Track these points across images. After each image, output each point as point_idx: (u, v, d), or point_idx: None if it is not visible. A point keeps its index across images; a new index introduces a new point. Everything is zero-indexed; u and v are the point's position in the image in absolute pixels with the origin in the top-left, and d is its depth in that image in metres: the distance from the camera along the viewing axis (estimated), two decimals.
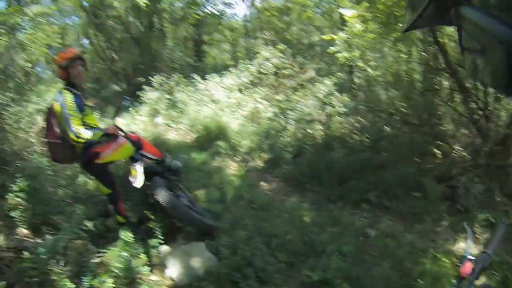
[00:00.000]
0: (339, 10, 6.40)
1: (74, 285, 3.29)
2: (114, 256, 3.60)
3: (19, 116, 6.91)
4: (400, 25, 4.92)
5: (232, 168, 6.15)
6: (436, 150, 5.16)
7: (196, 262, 3.51)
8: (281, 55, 8.02)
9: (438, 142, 5.17)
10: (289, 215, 4.06)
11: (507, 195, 4.30)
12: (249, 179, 5.52)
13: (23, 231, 4.44)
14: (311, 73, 7.93)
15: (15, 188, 4.25)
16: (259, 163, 5.98)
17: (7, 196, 4.37)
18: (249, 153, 6.33)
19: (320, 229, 3.73)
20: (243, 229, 3.81)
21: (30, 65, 13.21)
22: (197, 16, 12.67)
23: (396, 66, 5.74)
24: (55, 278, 3.55)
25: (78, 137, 3.75)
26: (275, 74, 8.14)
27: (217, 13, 13.29)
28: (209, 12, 13.40)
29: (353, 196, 4.50)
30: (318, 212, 4.21)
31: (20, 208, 4.32)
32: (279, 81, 8.04)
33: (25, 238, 4.35)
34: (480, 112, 4.89)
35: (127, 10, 14.58)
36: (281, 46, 8.19)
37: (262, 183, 5.41)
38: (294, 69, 8.04)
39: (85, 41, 24.20)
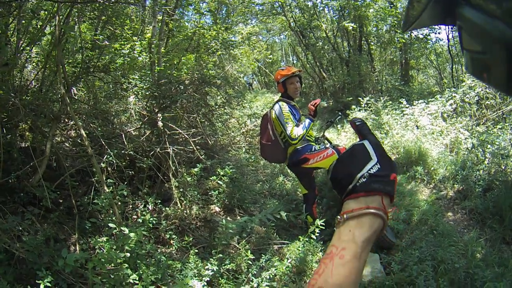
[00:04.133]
0: None
1: (253, 256, 3.92)
2: (293, 247, 4.25)
3: (229, 117, 8.17)
4: None
5: (423, 193, 6.49)
6: None
7: (365, 271, 3.64)
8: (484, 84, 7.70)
9: None
10: (463, 246, 4.34)
11: None
12: (437, 206, 5.78)
13: (215, 208, 5.47)
14: None
15: (220, 172, 5.16)
16: (450, 192, 6.15)
17: (211, 178, 5.39)
18: (443, 182, 6.52)
19: (486, 266, 3.92)
20: (418, 250, 4.21)
21: (241, 75, 15.26)
22: (402, 40, 12.70)
23: None
24: (235, 250, 4.38)
25: (294, 138, 4.30)
26: (478, 103, 7.88)
27: (421, 37, 13.03)
28: (414, 36, 13.23)
29: None
30: (490, 249, 4.32)
31: (219, 190, 5.32)
32: (482, 111, 7.76)
33: (215, 214, 5.35)
34: None
35: (335, 32, 15.44)
36: None
37: (448, 213, 5.64)
38: (497, 99, 7.66)
39: (292, 58, 26.27)
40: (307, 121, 4.41)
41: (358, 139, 0.96)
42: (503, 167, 5.64)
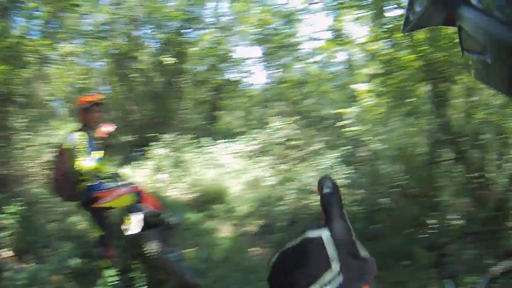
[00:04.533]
0: (352, 86, 6.55)
1: None
2: None
3: (27, 144, 7.00)
4: (411, 100, 5.32)
5: (225, 231, 6.23)
6: (430, 221, 5.11)
7: None
8: (293, 126, 8.27)
9: (433, 212, 5.15)
10: None
11: (498, 258, 4.18)
12: (240, 243, 5.61)
13: (8, 253, 4.69)
14: (318, 145, 8.13)
15: (8, 210, 4.51)
16: (254, 228, 6.16)
17: (1, 216, 4.60)
18: (245, 218, 6.47)
19: None
20: None
21: (50, 98, 13.63)
22: (216, 81, 13.04)
23: (403, 140, 5.80)
24: None
25: (83, 173, 3.98)
26: (283, 144, 8.28)
27: (235, 80, 13.84)
28: (228, 79, 13.93)
29: None
30: None
31: (10, 230, 4.60)
32: (286, 151, 8.17)
33: (9, 260, 4.58)
34: (478, 180, 4.85)
35: (152, 65, 15.09)
36: (294, 117, 8.46)
37: (253, 248, 5.50)
38: (302, 140, 8.21)
39: (107, 88, 25.09)
40: (98, 153, 4.15)
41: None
42: (308, 201, 5.96)
